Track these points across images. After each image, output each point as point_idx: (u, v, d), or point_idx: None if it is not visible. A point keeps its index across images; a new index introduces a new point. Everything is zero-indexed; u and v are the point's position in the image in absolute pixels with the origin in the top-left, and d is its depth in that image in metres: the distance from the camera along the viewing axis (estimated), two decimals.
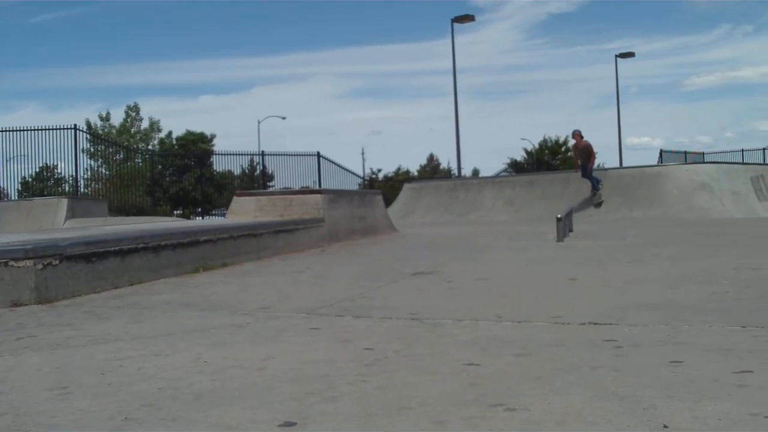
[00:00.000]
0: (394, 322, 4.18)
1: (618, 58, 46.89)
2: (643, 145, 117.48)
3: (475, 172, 72.05)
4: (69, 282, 5.57)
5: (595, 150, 20.44)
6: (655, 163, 37.76)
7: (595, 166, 20.58)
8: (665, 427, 2.18)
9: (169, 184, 46.03)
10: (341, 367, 3.08)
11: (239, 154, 36.10)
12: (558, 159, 63.72)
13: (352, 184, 37.58)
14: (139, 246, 6.45)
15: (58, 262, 5.47)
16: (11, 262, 5.23)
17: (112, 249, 6.10)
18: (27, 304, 5.21)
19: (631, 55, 48.10)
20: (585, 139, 20.59)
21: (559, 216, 10.64)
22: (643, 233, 11.64)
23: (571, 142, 25.66)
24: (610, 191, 19.89)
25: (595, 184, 20.16)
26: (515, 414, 2.35)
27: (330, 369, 3.05)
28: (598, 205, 19.96)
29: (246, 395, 2.67)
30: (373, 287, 5.73)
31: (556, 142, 65.33)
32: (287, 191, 13.67)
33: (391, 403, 2.50)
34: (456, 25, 36.50)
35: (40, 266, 5.31)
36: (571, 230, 11.86)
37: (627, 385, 2.66)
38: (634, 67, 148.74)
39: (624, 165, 38.27)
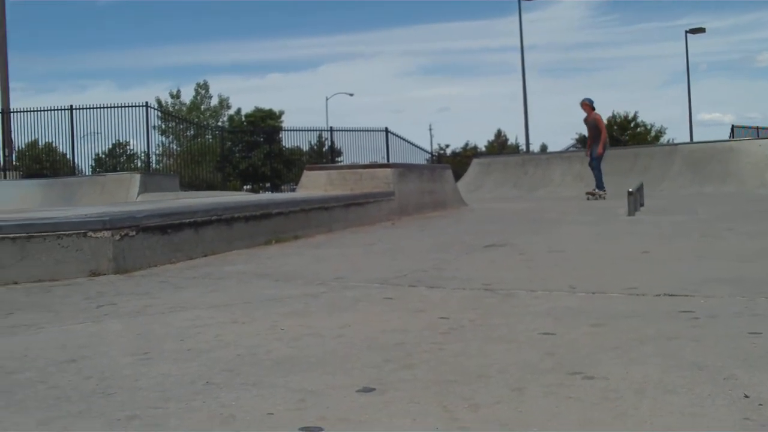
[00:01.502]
0: (468, 292, 4.17)
1: (688, 34, 46.11)
2: (714, 120, 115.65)
3: (543, 148, 71.59)
4: (145, 253, 5.66)
5: (605, 124, 16.98)
6: (727, 138, 37.03)
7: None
8: (746, 396, 2.15)
9: (238, 160, 46.46)
10: (417, 336, 3.08)
11: (308, 130, 36.32)
12: (626, 135, 62.86)
13: (420, 160, 37.51)
14: (213, 218, 6.53)
15: (134, 233, 5.56)
16: (90, 233, 5.33)
17: (187, 221, 6.18)
18: (105, 274, 5.30)
19: (701, 30, 47.28)
20: (596, 111, 16.96)
21: (630, 190, 10.50)
22: (715, 209, 11.45)
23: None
24: (681, 167, 19.58)
25: (599, 181, 16.65)
26: (594, 382, 2.33)
27: (406, 337, 3.06)
28: (595, 197, 16.34)
29: (324, 362, 2.69)
30: (445, 259, 5.73)
31: (625, 118, 64.43)
32: (357, 165, 13.71)
33: (468, 371, 2.50)
34: (523, 2, 36.23)
35: (117, 237, 5.40)
36: (642, 204, 11.70)
37: (705, 355, 2.62)
38: (705, 44, 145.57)
39: (694, 140, 37.66)
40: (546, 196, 19.57)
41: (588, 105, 16.81)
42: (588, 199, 15.95)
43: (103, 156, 39.16)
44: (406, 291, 4.28)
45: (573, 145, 60.56)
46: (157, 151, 39.00)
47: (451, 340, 2.99)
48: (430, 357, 2.71)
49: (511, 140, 75.66)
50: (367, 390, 2.31)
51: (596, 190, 16.44)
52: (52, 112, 28.80)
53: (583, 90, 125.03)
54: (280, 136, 41.48)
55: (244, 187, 43.59)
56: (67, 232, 5.29)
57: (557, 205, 13.79)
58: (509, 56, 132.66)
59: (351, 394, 2.28)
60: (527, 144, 43.75)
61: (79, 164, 30.07)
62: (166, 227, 5.92)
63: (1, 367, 2.79)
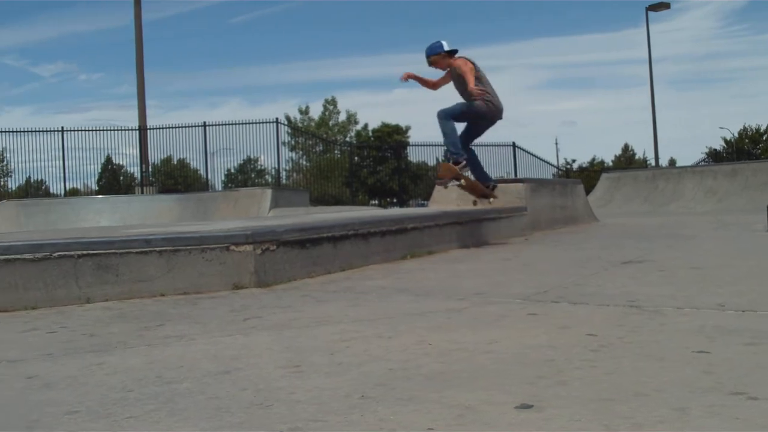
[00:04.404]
0: (612, 309, 4.10)
1: None
2: None
3: (672, 162, 70.11)
4: (285, 267, 5.75)
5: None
6: None
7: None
8: None
9: (366, 175, 46.87)
10: (566, 352, 3.04)
11: (435, 145, 36.28)
12: (759, 148, 61.07)
13: (546, 175, 37.17)
14: (350, 233, 6.59)
15: (275, 247, 5.65)
16: (232, 247, 5.45)
17: (325, 235, 6.26)
18: (247, 287, 5.41)
19: None
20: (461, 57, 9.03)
21: None
22: None
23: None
24: None
25: (481, 174, 9.54)
26: (759, 403, 2.25)
27: (555, 354, 3.02)
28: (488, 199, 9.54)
29: (476, 377, 2.68)
30: (584, 275, 5.65)
31: (757, 131, 62.59)
32: None
33: (625, 389, 2.45)
34: (651, 13, 35.62)
35: (259, 251, 5.50)
36: None
37: None
38: None
39: None
40: (677, 211, 19.11)
41: (443, 55, 9.09)
42: (474, 204, 9.51)
43: (234, 171, 40.03)
44: (550, 307, 4.23)
45: (703, 159, 59.18)
46: (287, 167, 39.67)
47: (602, 357, 2.94)
48: (583, 374, 2.66)
49: (639, 154, 74.43)
50: (525, 407, 2.29)
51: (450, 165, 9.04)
52: (186, 128, 29.62)
53: (711, 101, 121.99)
54: (407, 150, 41.69)
55: (371, 202, 43.94)
56: (211, 246, 5.41)
57: (690, 220, 13.45)
58: (635, 69, 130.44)
59: (509, 411, 2.26)
60: (656, 158, 42.94)
61: (211, 179, 30.82)
62: (304, 241, 6.01)
63: (159, 377, 2.87)
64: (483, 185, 9.39)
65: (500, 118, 9.11)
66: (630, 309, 4.05)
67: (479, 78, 8.84)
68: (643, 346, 3.13)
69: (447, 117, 8.89)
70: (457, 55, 9.04)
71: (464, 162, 8.86)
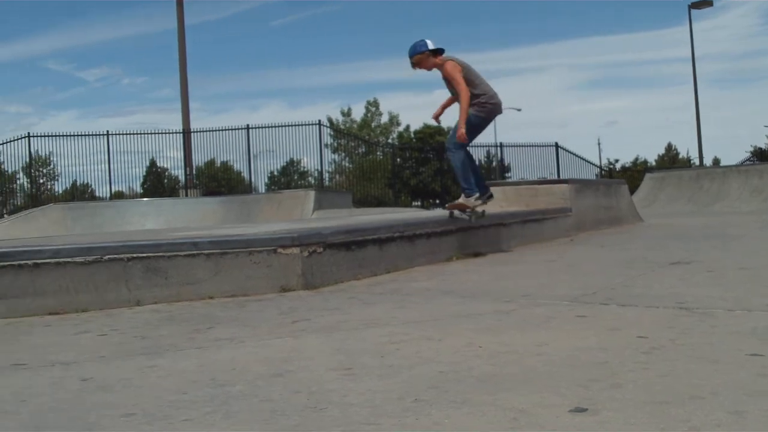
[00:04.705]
0: (662, 310, 4.07)
1: None
2: None
3: (716, 161, 69.26)
4: (331, 269, 5.77)
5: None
6: None
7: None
8: None
9: (408, 176, 46.86)
10: (618, 355, 3.03)
11: (476, 146, 36.20)
12: None
13: (589, 175, 36.90)
14: (395, 235, 6.61)
15: (321, 249, 5.68)
16: (279, 249, 5.48)
17: (370, 237, 6.28)
18: (294, 290, 5.43)
19: None
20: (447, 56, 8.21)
21: None
22: None
23: None
24: None
25: (465, 180, 8.18)
26: None
27: (607, 356, 3.01)
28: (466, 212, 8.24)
29: (528, 380, 2.68)
30: (631, 276, 5.61)
31: None
32: (533, 181, 13.61)
33: (679, 392, 2.44)
34: (693, 11, 35.30)
35: (305, 254, 5.53)
36: None
37: None
38: None
39: None
40: (723, 210, 18.89)
41: (427, 54, 8.15)
42: (451, 216, 8.19)
43: (277, 173, 40.18)
44: (598, 309, 4.21)
45: (748, 159, 58.45)
46: (329, 169, 39.81)
47: (654, 359, 2.92)
48: (636, 377, 2.65)
49: (682, 154, 73.70)
50: (579, 410, 2.28)
51: (463, 201, 8.10)
52: (230, 131, 29.78)
53: (755, 99, 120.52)
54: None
55: (413, 203, 43.91)
56: (258, 249, 5.45)
57: (736, 220, 13.30)
58: (678, 67, 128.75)
59: (563, 414, 2.25)
60: (700, 157, 42.43)
61: (254, 181, 30.96)
62: (350, 244, 6.03)
63: (213, 380, 2.89)
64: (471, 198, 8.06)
65: (500, 112, 8.27)
66: (679, 311, 4.02)
67: (469, 80, 7.91)
68: (696, 349, 3.10)
69: (458, 147, 8.02)
70: (444, 56, 8.11)
71: (477, 195, 8.00)
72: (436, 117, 8.74)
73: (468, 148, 8.17)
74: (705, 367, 2.77)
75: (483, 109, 7.97)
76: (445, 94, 8.24)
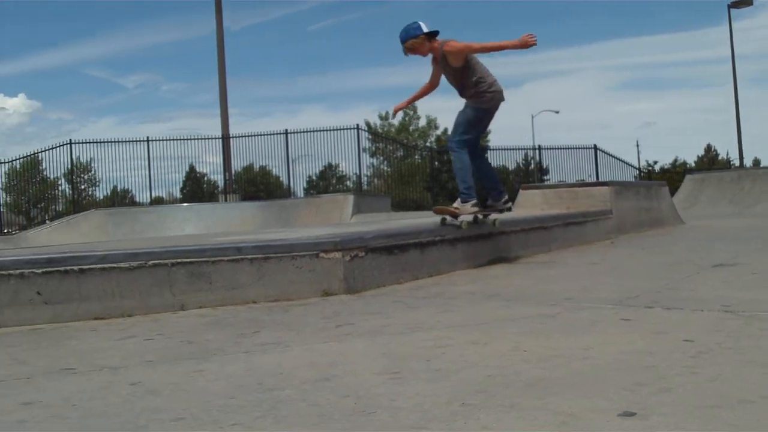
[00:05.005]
0: (707, 314, 4.04)
1: None
2: None
3: (756, 162, 68.49)
4: (373, 273, 5.78)
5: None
6: None
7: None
8: None
9: (447, 179, 46.80)
10: (665, 358, 3.01)
11: (514, 149, 36.11)
12: None
13: (628, 177, 36.59)
14: (437, 239, 6.61)
15: (363, 254, 5.69)
16: (321, 254, 5.49)
17: (412, 241, 6.28)
18: (336, 294, 5.45)
19: None
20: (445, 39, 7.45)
21: None
22: None
23: None
24: None
25: (465, 184, 7.40)
26: None
27: (654, 360, 2.99)
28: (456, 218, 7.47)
29: (576, 384, 2.67)
30: (675, 279, 5.57)
31: None
32: (573, 184, 13.58)
33: (729, 396, 2.42)
34: (733, 11, 35.01)
35: (347, 258, 5.54)
36: None
37: None
38: None
39: None
40: (765, 212, 18.68)
41: (422, 38, 7.32)
42: (443, 222, 7.33)
43: (315, 178, 40.30)
44: (643, 312, 4.18)
45: None
46: (368, 172, 39.83)
47: (702, 363, 2.90)
48: (684, 381, 2.64)
49: (722, 155, 72.92)
50: (629, 414, 2.27)
51: (457, 206, 7.30)
52: (268, 136, 29.94)
53: None
54: (487, 155, 41.45)
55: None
56: (301, 253, 5.47)
57: None
58: (716, 68, 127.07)
59: (613, 418, 2.25)
60: (741, 158, 42.02)
61: (293, 186, 31.09)
62: (392, 248, 6.03)
63: (261, 384, 2.91)
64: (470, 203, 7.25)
65: (502, 100, 7.43)
66: (725, 314, 3.99)
67: (470, 66, 7.21)
68: (744, 352, 3.08)
69: (461, 146, 7.30)
70: (439, 38, 7.30)
71: (474, 201, 7.21)
72: (397, 110, 8.04)
73: (488, 153, 7.80)
74: (754, 371, 2.75)
75: (482, 99, 7.26)
76: None
